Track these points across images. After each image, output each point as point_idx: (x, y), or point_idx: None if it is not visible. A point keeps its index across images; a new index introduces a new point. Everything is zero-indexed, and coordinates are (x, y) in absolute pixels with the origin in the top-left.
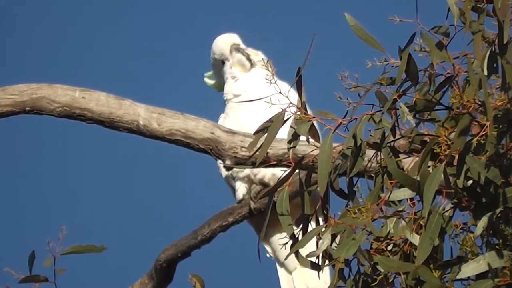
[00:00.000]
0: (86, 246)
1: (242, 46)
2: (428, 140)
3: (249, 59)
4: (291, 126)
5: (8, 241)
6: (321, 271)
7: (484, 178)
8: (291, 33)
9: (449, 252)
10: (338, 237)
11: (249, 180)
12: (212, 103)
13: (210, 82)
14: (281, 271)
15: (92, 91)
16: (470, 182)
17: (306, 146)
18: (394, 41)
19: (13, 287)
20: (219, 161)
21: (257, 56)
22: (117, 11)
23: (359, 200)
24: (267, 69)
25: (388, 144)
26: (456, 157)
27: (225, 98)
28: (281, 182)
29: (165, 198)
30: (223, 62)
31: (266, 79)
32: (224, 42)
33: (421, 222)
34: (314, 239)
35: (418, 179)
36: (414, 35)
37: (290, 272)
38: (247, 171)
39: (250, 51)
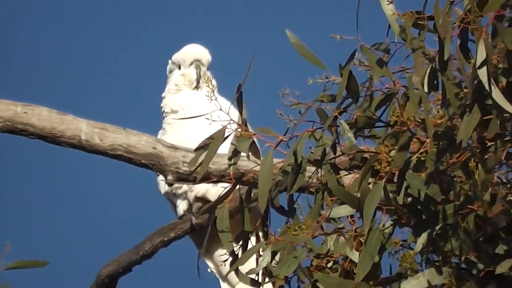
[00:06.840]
0: (29, 261)
1: (204, 65)
2: (368, 157)
3: (198, 82)
4: (232, 143)
5: None
6: None
7: (424, 194)
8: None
9: (388, 269)
10: (279, 254)
11: (187, 196)
12: (155, 118)
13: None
14: (224, 286)
15: (34, 106)
16: (410, 199)
17: (248, 162)
18: (335, 59)
19: None
20: (161, 177)
21: (208, 81)
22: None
23: (299, 217)
24: (208, 86)
25: (329, 161)
26: (397, 174)
27: (162, 110)
28: (222, 198)
29: (107, 213)
30: (179, 67)
31: (206, 95)
32: (190, 53)
33: (361, 239)
34: (255, 256)
35: (359, 195)
36: (354, 52)
37: (233, 287)
38: (185, 187)
39: (206, 74)
